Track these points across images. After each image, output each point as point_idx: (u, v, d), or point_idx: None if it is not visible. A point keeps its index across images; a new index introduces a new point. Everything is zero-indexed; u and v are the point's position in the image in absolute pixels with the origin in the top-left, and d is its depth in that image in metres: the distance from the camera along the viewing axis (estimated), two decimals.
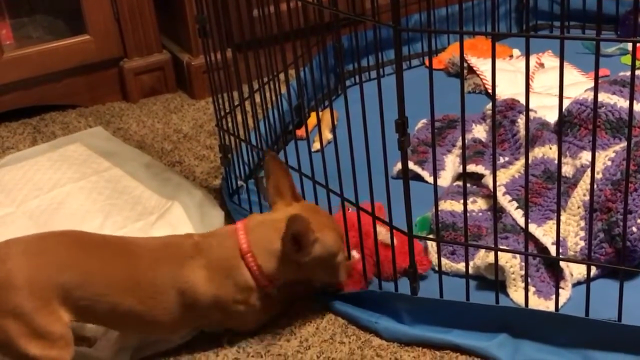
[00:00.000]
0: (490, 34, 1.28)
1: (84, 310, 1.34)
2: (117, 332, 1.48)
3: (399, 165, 1.78)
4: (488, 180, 1.66)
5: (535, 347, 1.42)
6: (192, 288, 1.40)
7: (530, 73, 2.21)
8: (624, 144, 1.65)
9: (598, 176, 1.55)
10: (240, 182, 1.88)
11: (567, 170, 1.69)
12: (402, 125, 1.33)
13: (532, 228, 1.52)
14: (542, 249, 1.52)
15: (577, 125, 1.73)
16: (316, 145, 1.87)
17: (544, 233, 1.53)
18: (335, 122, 1.63)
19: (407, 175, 1.40)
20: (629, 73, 1.52)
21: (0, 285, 1.28)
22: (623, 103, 1.71)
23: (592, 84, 1.87)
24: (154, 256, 1.41)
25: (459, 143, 1.92)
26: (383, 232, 1.50)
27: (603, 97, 1.70)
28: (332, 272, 1.48)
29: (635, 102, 1.68)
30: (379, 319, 1.50)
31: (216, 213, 1.86)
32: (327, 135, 1.96)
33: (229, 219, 1.85)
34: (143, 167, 2.08)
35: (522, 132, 1.83)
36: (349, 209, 1.54)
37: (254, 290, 1.43)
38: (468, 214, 1.45)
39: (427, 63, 2.40)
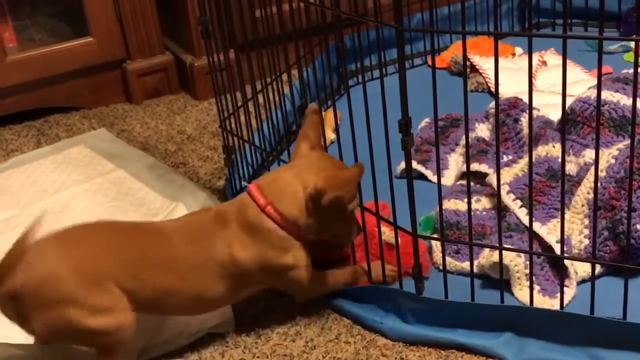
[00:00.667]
0: (492, 34, 1.28)
1: (132, 294, 1.36)
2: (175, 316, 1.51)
3: (402, 165, 1.78)
4: (492, 179, 1.66)
5: (540, 346, 1.42)
6: (229, 256, 1.41)
7: (533, 71, 2.21)
8: (628, 141, 1.65)
9: (602, 174, 1.55)
10: (244, 183, 1.88)
11: (571, 168, 1.69)
12: (405, 125, 1.33)
13: (537, 226, 1.52)
14: (547, 248, 1.52)
15: (580, 123, 1.73)
16: None
17: (548, 231, 1.53)
18: (338, 122, 1.63)
19: (411, 175, 1.40)
20: (631, 70, 1.51)
21: (47, 280, 1.31)
22: (626, 101, 1.70)
23: (594, 82, 1.87)
24: (182, 233, 1.43)
25: (462, 142, 1.92)
26: (387, 232, 1.50)
27: (606, 94, 1.70)
28: (350, 222, 1.49)
29: (638, 99, 1.68)
30: (383, 319, 1.51)
31: None
32: (330, 135, 1.97)
33: None
34: (147, 169, 2.08)
35: (525, 130, 1.83)
36: None
37: (288, 240, 1.44)
38: (472, 213, 1.45)
39: (429, 62, 2.40)
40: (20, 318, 1.35)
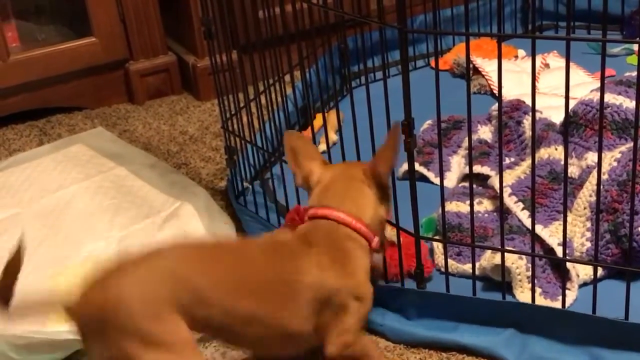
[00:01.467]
0: (495, 35, 1.28)
1: (204, 323, 1.24)
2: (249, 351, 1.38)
3: (404, 167, 1.78)
4: (494, 181, 1.66)
5: (542, 346, 1.42)
6: (322, 279, 1.26)
7: (536, 74, 2.21)
8: (630, 144, 1.65)
9: (604, 177, 1.55)
10: (245, 184, 1.88)
11: (573, 171, 1.69)
12: (408, 126, 1.33)
13: (538, 229, 1.52)
14: (548, 250, 1.52)
15: (582, 126, 1.73)
16: (322, 147, 1.87)
17: (550, 234, 1.53)
18: (341, 123, 1.63)
19: (413, 177, 1.40)
20: (634, 73, 1.51)
21: (113, 308, 1.19)
22: (629, 103, 1.70)
23: (597, 84, 1.87)
24: (266, 253, 1.29)
25: (465, 144, 1.92)
26: (389, 231, 1.50)
27: (609, 97, 1.70)
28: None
29: None
30: (384, 320, 1.50)
31: (224, 215, 1.87)
32: (333, 136, 1.97)
33: (235, 221, 1.86)
34: (147, 168, 2.08)
35: (528, 132, 1.82)
36: None
37: (367, 253, 1.33)
38: (474, 215, 1.45)
39: (432, 64, 2.40)
40: (86, 342, 1.25)
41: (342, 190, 1.35)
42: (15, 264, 1.21)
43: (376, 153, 1.36)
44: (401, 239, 1.48)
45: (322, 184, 1.37)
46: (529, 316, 1.42)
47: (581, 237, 1.57)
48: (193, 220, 1.84)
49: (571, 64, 1.27)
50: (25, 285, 1.67)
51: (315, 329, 1.29)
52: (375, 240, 1.35)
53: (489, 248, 1.51)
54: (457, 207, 1.68)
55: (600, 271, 1.49)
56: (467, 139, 1.90)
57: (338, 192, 1.35)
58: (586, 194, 1.59)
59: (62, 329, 1.52)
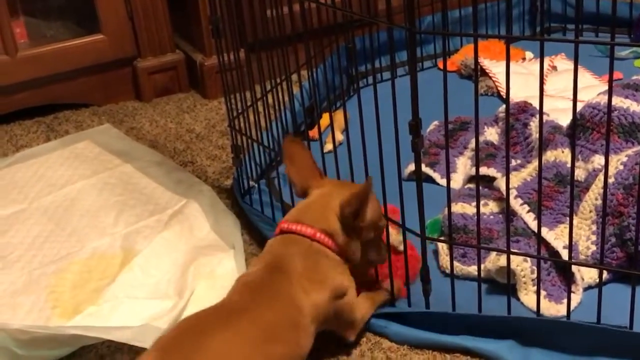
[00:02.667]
0: (504, 37, 1.28)
1: None
2: None
3: (410, 167, 1.78)
4: (500, 183, 1.66)
5: (546, 353, 1.41)
6: (310, 302, 1.33)
7: (544, 76, 2.21)
8: (637, 147, 1.65)
9: (610, 180, 1.54)
10: (251, 183, 1.88)
11: (579, 174, 1.68)
12: (415, 126, 1.33)
13: (544, 232, 1.52)
14: (553, 253, 1.52)
15: (589, 129, 1.73)
16: (328, 147, 1.87)
17: (556, 237, 1.53)
18: (347, 123, 1.63)
19: (420, 177, 1.40)
20: None
21: None
22: (636, 107, 1.70)
23: (604, 87, 1.87)
24: (261, 302, 1.31)
25: (471, 145, 1.92)
26: (393, 235, 1.50)
27: (616, 100, 1.70)
28: (379, 240, 1.46)
29: None
30: (388, 324, 1.50)
31: (229, 214, 1.88)
32: (339, 136, 1.97)
33: (242, 220, 1.86)
34: (154, 165, 2.09)
35: (534, 135, 1.82)
36: None
37: (340, 262, 1.39)
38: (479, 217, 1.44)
39: (439, 65, 2.40)
40: None
41: (320, 210, 1.39)
42: None
43: (347, 194, 1.39)
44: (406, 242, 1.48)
45: (304, 202, 1.44)
46: (533, 327, 1.42)
47: (586, 241, 1.57)
48: (199, 218, 1.84)
49: (579, 67, 1.27)
50: (31, 282, 1.70)
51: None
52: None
53: (494, 250, 1.51)
54: (463, 208, 1.68)
55: (605, 275, 1.49)
56: (473, 140, 1.91)
57: (317, 211, 1.39)
58: (592, 197, 1.59)
59: (67, 324, 1.53)
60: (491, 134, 1.93)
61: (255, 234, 1.81)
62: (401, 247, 1.49)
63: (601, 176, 1.57)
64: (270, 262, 1.37)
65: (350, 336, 1.45)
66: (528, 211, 1.59)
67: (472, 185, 1.79)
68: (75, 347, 1.50)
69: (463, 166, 1.91)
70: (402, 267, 1.50)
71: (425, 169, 1.87)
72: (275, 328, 1.29)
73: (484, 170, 1.74)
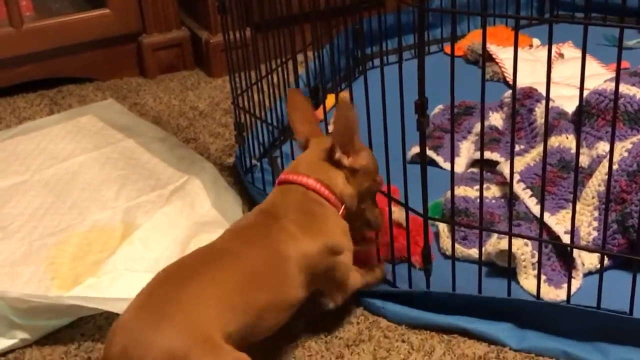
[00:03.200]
0: (513, 17, 1.27)
1: (235, 334, 1.20)
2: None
3: (413, 150, 1.78)
4: (503, 168, 1.66)
5: (544, 336, 1.41)
6: (297, 250, 1.29)
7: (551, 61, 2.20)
8: None
9: (614, 167, 1.54)
10: (254, 161, 1.88)
11: (583, 160, 1.68)
12: (421, 105, 1.32)
13: (546, 217, 1.51)
14: (555, 238, 1.51)
15: (594, 115, 1.72)
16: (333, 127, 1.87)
17: (557, 222, 1.52)
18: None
19: (424, 158, 1.39)
20: None
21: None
22: None
23: (611, 75, 1.86)
24: (246, 244, 1.29)
25: (475, 130, 1.91)
26: (397, 212, 1.50)
27: (622, 88, 1.69)
28: (374, 198, 1.45)
29: None
30: (385, 304, 1.50)
31: (231, 191, 1.87)
32: None
33: (243, 197, 1.86)
34: (157, 141, 2.08)
35: (539, 120, 1.82)
36: None
37: (340, 218, 1.37)
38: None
39: (445, 49, 2.39)
40: None
41: (316, 161, 1.38)
42: None
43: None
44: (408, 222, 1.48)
45: (302, 153, 1.42)
46: (533, 311, 1.42)
47: (588, 227, 1.57)
48: (200, 195, 1.84)
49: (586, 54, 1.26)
50: (30, 253, 1.70)
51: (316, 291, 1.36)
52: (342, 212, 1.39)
53: (496, 232, 1.50)
54: (465, 191, 1.68)
55: (606, 261, 1.48)
56: (477, 125, 1.90)
57: (313, 162, 1.38)
58: (595, 184, 1.58)
59: (66, 294, 1.53)
60: (496, 119, 1.93)
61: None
62: (403, 222, 1.48)
63: (605, 163, 1.57)
64: (263, 209, 1.36)
65: (338, 300, 1.41)
66: (530, 196, 1.59)
67: (474, 170, 1.79)
68: (73, 317, 1.51)
69: (466, 150, 1.90)
70: (404, 241, 1.50)
71: (428, 152, 1.86)
72: (258, 274, 1.25)
73: (487, 155, 1.74)
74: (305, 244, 1.31)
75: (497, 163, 1.73)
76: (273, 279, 1.27)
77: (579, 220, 1.57)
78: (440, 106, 2.03)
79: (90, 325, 1.52)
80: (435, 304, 1.47)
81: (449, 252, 1.54)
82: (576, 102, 1.34)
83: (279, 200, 1.36)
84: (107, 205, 1.83)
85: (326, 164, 1.38)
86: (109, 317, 1.51)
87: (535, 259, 1.46)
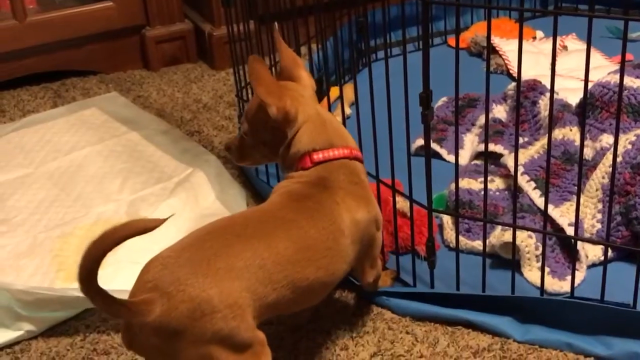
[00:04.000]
0: (517, 9, 1.27)
1: (266, 308, 1.19)
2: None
3: (417, 142, 1.78)
4: (507, 160, 1.66)
5: (547, 329, 1.42)
6: (354, 220, 1.28)
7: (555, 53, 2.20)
8: None
9: (618, 159, 1.54)
10: None
11: (587, 152, 1.68)
12: (426, 98, 1.32)
13: (549, 209, 1.51)
14: (558, 230, 1.52)
15: (598, 107, 1.72)
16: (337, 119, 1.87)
17: (561, 214, 1.53)
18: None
19: (429, 148, 1.39)
20: None
21: (196, 315, 1.11)
22: None
23: (614, 68, 1.86)
24: (298, 213, 1.25)
25: (479, 122, 1.91)
26: (401, 201, 1.50)
27: (626, 80, 1.69)
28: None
29: None
30: (390, 296, 1.51)
31: (234, 183, 1.88)
32: (348, 110, 1.96)
33: (247, 190, 1.86)
34: (160, 134, 2.09)
35: (543, 113, 1.82)
36: None
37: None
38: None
39: (449, 42, 2.39)
40: (152, 354, 1.16)
41: (336, 127, 1.36)
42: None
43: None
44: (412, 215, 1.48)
45: (311, 123, 1.32)
46: (537, 304, 1.42)
47: (592, 219, 1.57)
48: (204, 187, 1.84)
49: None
50: (35, 246, 1.70)
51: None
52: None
53: (500, 224, 1.51)
54: (469, 184, 1.68)
55: (609, 253, 1.49)
56: (481, 117, 1.90)
57: (335, 130, 1.35)
58: (599, 176, 1.58)
59: (71, 286, 1.54)
60: (499, 112, 1.93)
61: (260, 204, 1.81)
62: (407, 212, 1.49)
63: (609, 155, 1.57)
64: (313, 180, 1.29)
65: (370, 277, 1.40)
66: (534, 188, 1.59)
67: (478, 162, 1.79)
68: (78, 309, 1.51)
69: (470, 142, 1.90)
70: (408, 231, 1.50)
71: (432, 144, 1.86)
72: (313, 248, 1.22)
73: (491, 147, 1.74)
74: (359, 213, 1.29)
75: (501, 155, 1.72)
76: (327, 254, 1.24)
77: (583, 212, 1.57)
78: (444, 98, 2.03)
79: (95, 317, 1.52)
80: (439, 297, 1.47)
81: (453, 244, 1.54)
82: (580, 95, 1.34)
83: (328, 174, 1.30)
84: (111, 197, 1.84)
85: (337, 124, 1.37)
86: None
87: (539, 251, 1.46)
